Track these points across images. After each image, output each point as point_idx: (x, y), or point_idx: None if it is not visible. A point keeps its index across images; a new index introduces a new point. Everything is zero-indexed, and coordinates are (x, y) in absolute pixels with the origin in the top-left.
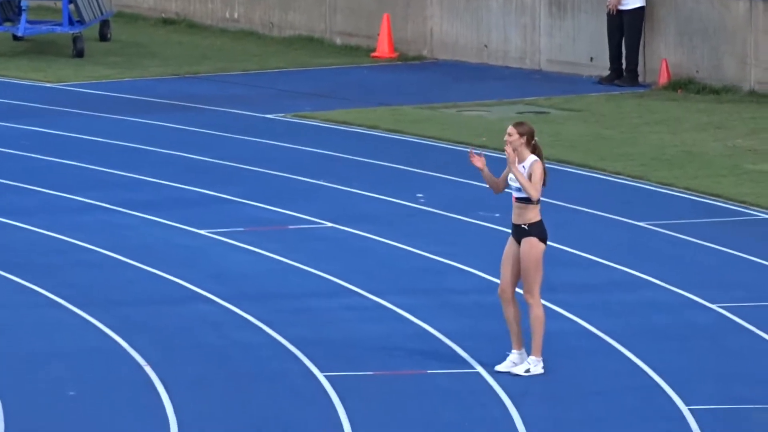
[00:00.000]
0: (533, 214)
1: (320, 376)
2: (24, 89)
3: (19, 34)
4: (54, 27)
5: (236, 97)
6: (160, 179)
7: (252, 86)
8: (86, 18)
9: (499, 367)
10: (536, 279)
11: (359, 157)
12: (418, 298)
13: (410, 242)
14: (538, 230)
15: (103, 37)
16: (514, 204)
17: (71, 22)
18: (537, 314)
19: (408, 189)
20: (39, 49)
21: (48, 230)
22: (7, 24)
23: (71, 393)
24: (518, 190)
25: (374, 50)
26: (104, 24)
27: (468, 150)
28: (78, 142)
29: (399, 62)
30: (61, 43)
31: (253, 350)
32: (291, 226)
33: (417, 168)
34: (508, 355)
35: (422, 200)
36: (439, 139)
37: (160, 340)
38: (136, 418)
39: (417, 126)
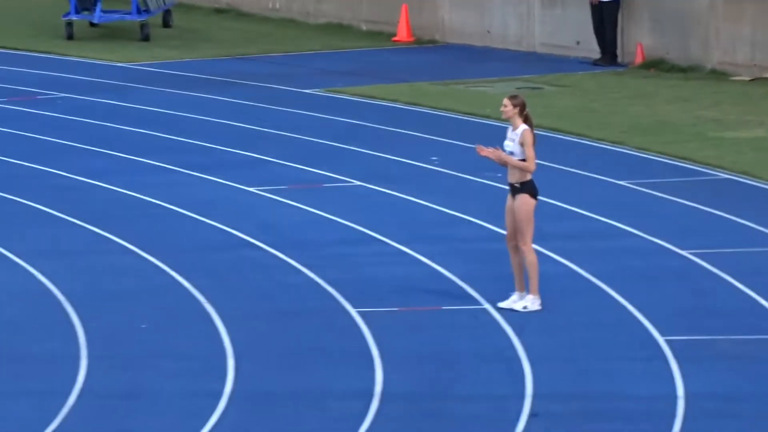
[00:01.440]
0: (527, 174)
1: (352, 311)
2: (100, 68)
3: (95, 21)
4: (124, 15)
5: (278, 75)
6: (215, 144)
7: (291, 65)
8: (152, 8)
9: (501, 304)
10: (528, 230)
11: (383, 125)
12: (434, 245)
13: (426, 198)
14: (529, 188)
15: (166, 24)
16: (510, 167)
17: (139, 11)
18: (531, 260)
19: (424, 152)
20: (111, 34)
21: (121, 188)
22: (85, 12)
23: (143, 326)
24: (511, 153)
25: (395, 35)
26: (167, 13)
27: (475, 146)
28: (146, 113)
29: (415, 45)
30: (130, 29)
31: (295, 289)
32: (325, 185)
33: (431, 135)
34: (510, 294)
35: (436, 162)
36: (450, 110)
37: (216, 280)
38: (197, 346)
39: (431, 99)
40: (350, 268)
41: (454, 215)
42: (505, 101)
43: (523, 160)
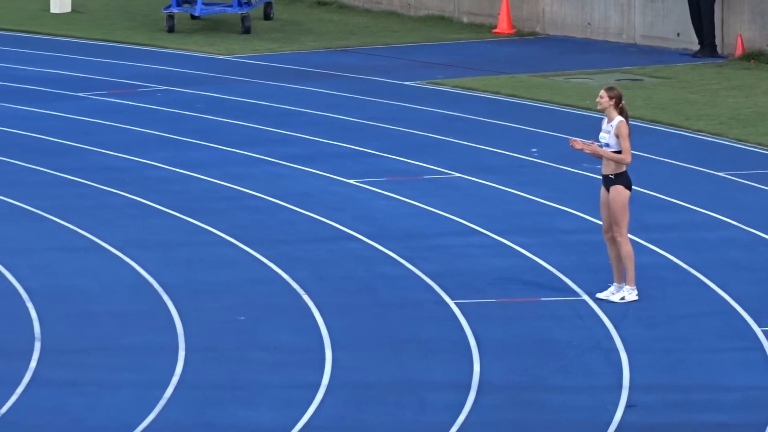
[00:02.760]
0: (620, 166)
1: (451, 303)
2: (200, 61)
3: (196, 14)
4: (225, 8)
5: (379, 67)
6: (314, 136)
7: (392, 58)
8: (253, 0)
9: (599, 295)
10: (624, 221)
11: (483, 117)
12: (533, 236)
13: (525, 189)
14: (623, 179)
15: (267, 16)
16: (604, 158)
17: (240, 4)
18: (627, 251)
19: (524, 144)
20: (212, 26)
21: (220, 180)
22: (186, 5)
23: (241, 318)
24: (606, 145)
25: (495, 27)
26: (268, 5)
27: (569, 139)
28: (245, 105)
29: (516, 37)
30: (231, 22)
31: (394, 281)
32: (425, 176)
33: (531, 126)
34: (609, 286)
35: (536, 154)
36: (550, 102)
37: (315, 272)
38: (296, 338)
39: (531, 91)
40: (449, 259)
41: (553, 207)
42: (602, 92)
43: (619, 152)
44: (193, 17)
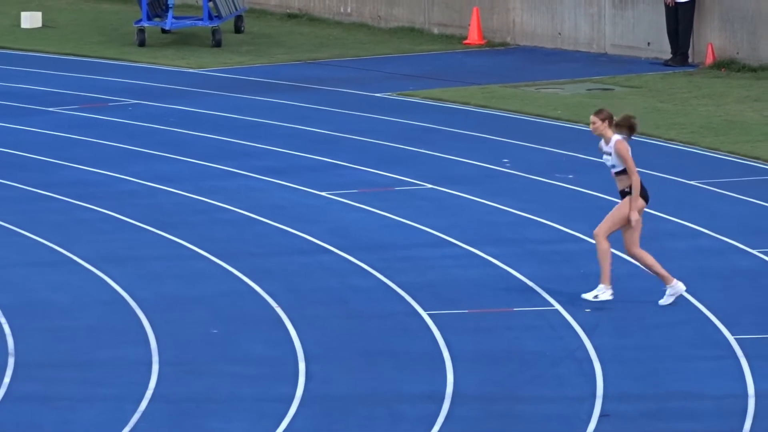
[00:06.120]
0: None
1: (423, 314)
2: (171, 74)
3: (167, 27)
4: (196, 21)
5: (350, 79)
6: (285, 149)
7: (363, 69)
8: (223, 13)
9: (585, 295)
10: (636, 232)
11: (454, 128)
12: (505, 247)
13: (497, 200)
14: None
15: (238, 29)
16: (614, 176)
17: (210, 17)
18: (604, 248)
19: (495, 155)
20: (183, 40)
21: (192, 193)
22: (156, 19)
23: (214, 331)
24: (612, 167)
25: (466, 38)
26: (238, 18)
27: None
28: (216, 119)
29: (487, 48)
30: (202, 35)
31: (367, 293)
32: (397, 188)
33: (503, 137)
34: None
35: (507, 164)
36: (521, 112)
37: (288, 284)
38: (268, 350)
39: (503, 102)
40: (421, 270)
41: (525, 217)
42: (592, 118)
43: (624, 170)
44: (163, 31)
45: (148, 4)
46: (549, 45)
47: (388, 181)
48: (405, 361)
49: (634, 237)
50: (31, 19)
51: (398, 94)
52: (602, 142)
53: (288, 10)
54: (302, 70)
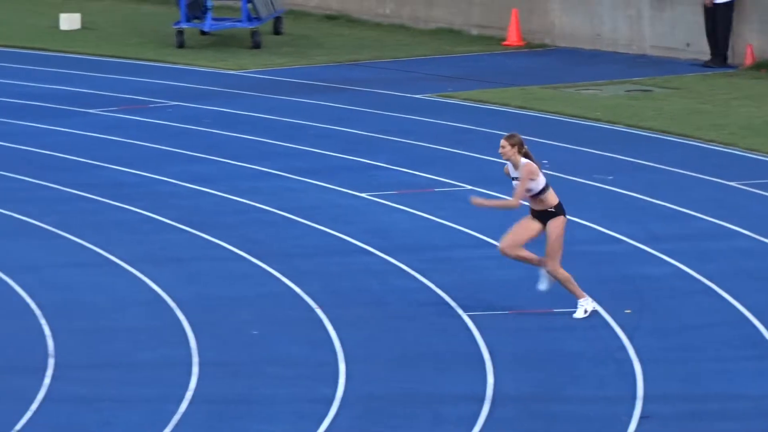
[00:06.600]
0: (551, 199)
1: (463, 315)
2: (210, 76)
3: (206, 29)
4: (235, 23)
5: (389, 80)
6: (323, 150)
7: (402, 71)
8: (262, 15)
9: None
10: (561, 250)
11: (493, 129)
12: (544, 248)
13: None
14: (561, 209)
15: (277, 31)
16: (529, 200)
17: (249, 19)
18: (563, 276)
19: (535, 155)
20: (222, 42)
21: (230, 194)
22: (195, 21)
23: (254, 332)
24: (528, 191)
25: (505, 39)
26: (277, 20)
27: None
28: (254, 120)
29: (526, 49)
30: (241, 37)
31: (407, 294)
32: (436, 189)
33: (542, 138)
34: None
35: (547, 165)
36: (560, 113)
37: (327, 285)
38: (309, 351)
39: (541, 103)
40: (461, 271)
41: None
42: (503, 142)
43: (538, 194)
44: (202, 33)
45: (186, 5)
46: (588, 46)
47: (426, 182)
48: (445, 362)
49: (556, 250)
50: (69, 21)
51: (437, 96)
52: (510, 167)
53: (327, 12)
54: (341, 72)
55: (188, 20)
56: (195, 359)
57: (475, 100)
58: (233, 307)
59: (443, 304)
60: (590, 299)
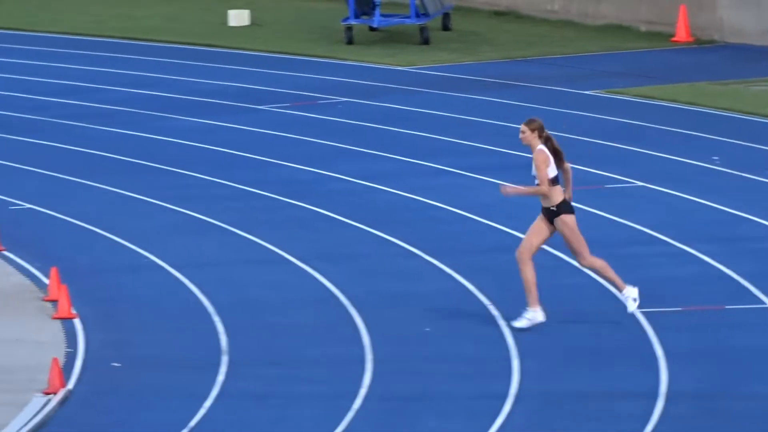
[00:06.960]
0: (556, 196)
1: (637, 312)
2: (379, 72)
3: (374, 25)
4: (403, 19)
5: (558, 77)
6: (494, 146)
7: (570, 67)
8: (430, 11)
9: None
10: (582, 245)
11: (663, 126)
12: (717, 245)
13: (708, 197)
14: (565, 207)
15: (445, 27)
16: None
17: (418, 15)
18: (600, 265)
19: (705, 152)
20: (391, 38)
21: (403, 191)
22: (364, 17)
23: (427, 329)
24: (534, 178)
25: (673, 35)
26: (446, 16)
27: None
28: (426, 116)
29: (694, 45)
30: (410, 33)
31: (576, 290)
32: (606, 185)
33: (712, 134)
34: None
35: (717, 161)
36: (730, 110)
37: (500, 282)
38: (481, 347)
39: (711, 99)
40: (633, 268)
41: (736, 214)
42: (522, 127)
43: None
44: (371, 29)
45: (355, 2)
46: (758, 42)
47: (597, 178)
48: (618, 359)
49: (577, 247)
50: (238, 17)
51: (607, 92)
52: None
53: (495, 8)
54: (510, 68)
55: (357, 16)
56: (368, 356)
57: (644, 97)
58: (406, 303)
59: (615, 300)
60: (630, 287)
